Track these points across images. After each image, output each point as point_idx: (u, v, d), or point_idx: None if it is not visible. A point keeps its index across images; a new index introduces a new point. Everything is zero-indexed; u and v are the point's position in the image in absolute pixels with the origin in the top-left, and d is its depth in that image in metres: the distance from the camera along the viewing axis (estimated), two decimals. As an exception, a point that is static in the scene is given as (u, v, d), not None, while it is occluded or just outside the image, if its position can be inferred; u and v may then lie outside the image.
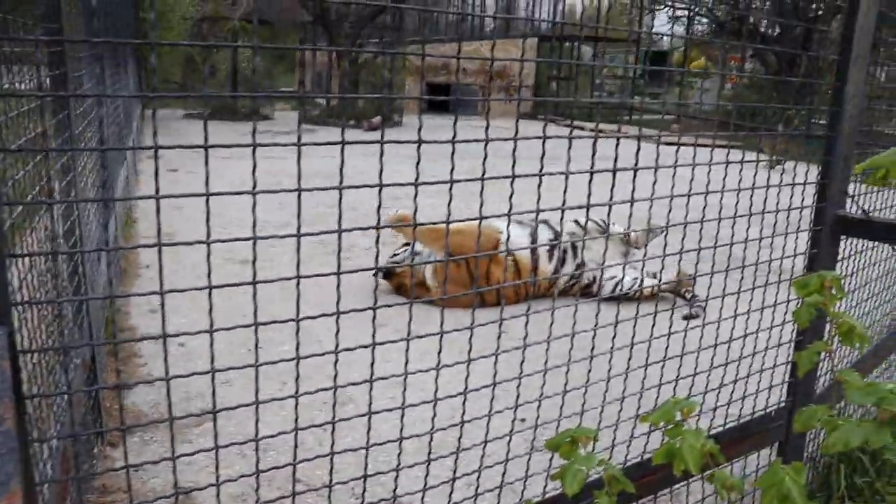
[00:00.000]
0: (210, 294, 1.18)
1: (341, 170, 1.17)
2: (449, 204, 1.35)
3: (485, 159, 1.36)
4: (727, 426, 2.49)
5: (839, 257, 2.71)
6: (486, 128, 1.31)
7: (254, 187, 1.13)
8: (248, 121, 18.17)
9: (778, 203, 2.32)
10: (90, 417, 3.07)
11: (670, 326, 2.02)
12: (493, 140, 1.32)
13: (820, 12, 21.09)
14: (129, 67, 10.29)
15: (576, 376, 1.94)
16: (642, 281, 5.32)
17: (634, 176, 1.68)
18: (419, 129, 1.35)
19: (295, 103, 21.50)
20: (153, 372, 4.11)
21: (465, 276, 5.51)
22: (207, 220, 1.14)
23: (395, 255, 5.98)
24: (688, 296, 5.53)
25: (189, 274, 5.77)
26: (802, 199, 2.44)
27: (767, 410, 2.64)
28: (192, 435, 3.42)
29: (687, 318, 5.15)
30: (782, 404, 2.68)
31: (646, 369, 1.97)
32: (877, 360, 3.72)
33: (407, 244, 5.96)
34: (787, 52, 20.15)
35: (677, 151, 2.07)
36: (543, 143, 1.40)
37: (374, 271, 1.43)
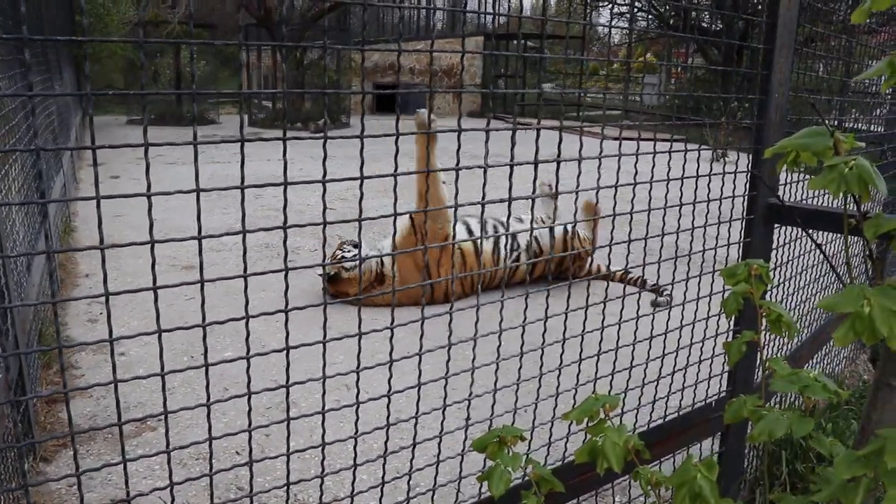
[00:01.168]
0: (107, 301, 1.11)
1: (242, 168, 1.11)
2: (360, 201, 1.30)
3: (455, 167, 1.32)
4: (668, 418, 2.48)
5: (775, 245, 2.73)
6: (396, 122, 1.26)
7: (148, 189, 1.07)
8: (194, 124, 17.87)
9: (709, 193, 2.31)
10: (19, 432, 2.95)
11: (603, 320, 1.99)
12: (405, 134, 1.27)
13: (760, 6, 21.46)
14: (66, 75, 10.02)
15: (513, 371, 1.90)
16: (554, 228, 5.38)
17: (557, 168, 1.64)
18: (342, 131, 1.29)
19: (242, 106, 21.20)
20: (91, 383, 3.98)
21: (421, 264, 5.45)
22: (100, 224, 1.07)
23: (339, 256, 5.68)
24: (647, 285, 5.52)
25: (131, 282, 5.62)
26: (734, 189, 2.44)
27: (708, 401, 2.63)
28: (129, 446, 3.32)
29: (655, 304, 5.18)
30: (723, 394, 2.68)
31: (579, 364, 1.94)
32: (816, 346, 3.76)
33: (347, 243, 5.73)
34: (713, 40, 20.44)
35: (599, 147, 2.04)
36: (459, 136, 1.36)
37: (320, 271, 1.37)
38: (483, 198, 1.42)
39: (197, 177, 1.10)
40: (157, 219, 5.44)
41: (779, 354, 3.26)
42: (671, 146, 2.12)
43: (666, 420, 2.47)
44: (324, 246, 1.34)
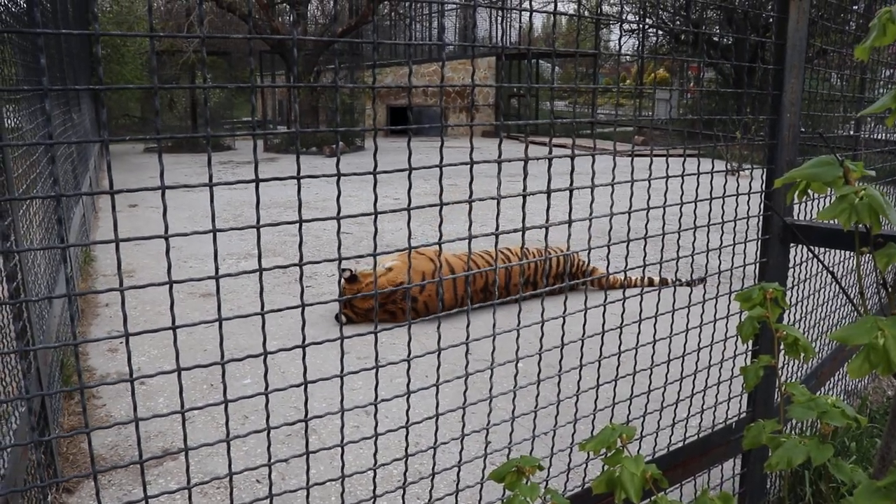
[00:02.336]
0: (127, 341, 1.13)
1: (258, 209, 1.12)
2: (374, 237, 1.31)
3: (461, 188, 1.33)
4: (687, 440, 2.47)
5: (793, 263, 2.71)
6: (409, 157, 1.27)
7: (165, 231, 1.09)
8: (211, 151, 18.03)
9: (723, 214, 2.31)
10: (43, 464, 2.98)
11: (620, 345, 1.99)
12: (418, 168, 1.28)
13: (771, 20, 21.41)
14: (84, 105, 10.15)
15: (531, 395, 1.90)
16: None
17: (570, 196, 1.65)
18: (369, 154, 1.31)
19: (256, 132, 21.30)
20: (112, 413, 4.01)
21: (425, 264, 5.58)
22: (119, 266, 1.09)
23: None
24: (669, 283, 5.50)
25: (150, 310, 5.66)
26: (748, 208, 2.43)
27: (728, 422, 2.62)
28: (151, 476, 3.33)
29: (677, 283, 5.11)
30: (744, 415, 2.67)
31: (597, 390, 1.94)
32: (838, 363, 3.73)
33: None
34: (721, 62, 20.40)
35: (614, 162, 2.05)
36: (471, 168, 1.37)
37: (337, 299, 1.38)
38: (497, 227, 1.43)
39: (213, 218, 1.12)
40: (176, 245, 5.51)
41: (799, 373, 3.24)
42: (684, 161, 2.12)
43: (686, 443, 2.45)
44: (339, 283, 1.36)
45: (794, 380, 3.06)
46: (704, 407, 2.50)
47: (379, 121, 24.70)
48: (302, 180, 1.23)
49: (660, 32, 25.56)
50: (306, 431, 1.33)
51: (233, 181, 1.15)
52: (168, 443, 3.66)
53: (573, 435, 1.98)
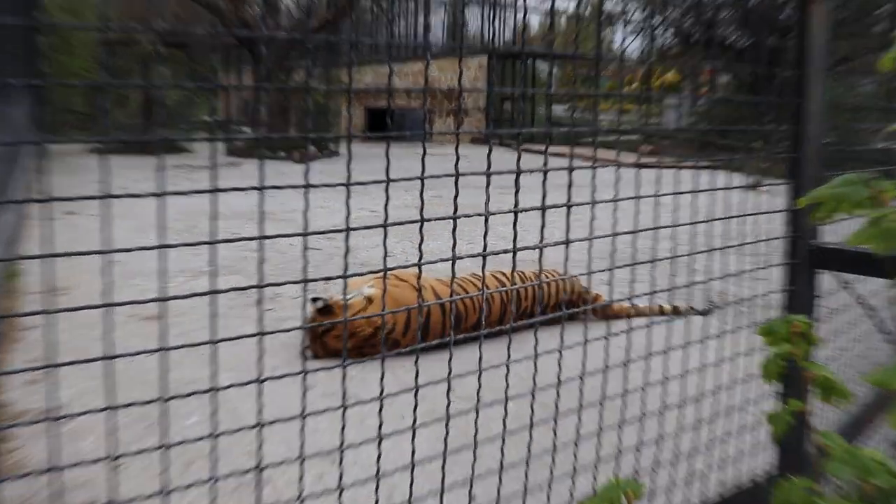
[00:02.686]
0: (51, 373, 1.07)
1: (212, 221, 1.08)
2: (346, 255, 1.27)
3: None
4: (708, 502, 2.41)
5: (828, 291, 2.68)
6: (387, 170, 1.23)
7: (106, 246, 1.04)
8: (164, 154, 17.94)
9: (743, 232, 2.29)
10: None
11: (625, 384, 1.95)
12: (397, 180, 1.25)
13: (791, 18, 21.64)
14: (19, 92, 10.05)
15: (523, 441, 1.85)
16: None
17: (568, 214, 1.62)
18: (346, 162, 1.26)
19: (217, 134, 21.28)
20: (31, 456, 3.89)
21: (410, 296, 5.26)
22: (49, 290, 1.04)
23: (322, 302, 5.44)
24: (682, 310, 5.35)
25: (84, 334, 5.55)
26: (769, 227, 2.41)
27: (754, 479, 2.56)
28: (77, 532, 3.24)
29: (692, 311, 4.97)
30: (771, 468, 2.62)
31: (599, 436, 1.90)
32: (880, 408, 3.67)
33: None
34: (734, 67, 20.58)
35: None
36: (456, 181, 1.34)
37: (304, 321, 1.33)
38: (485, 248, 1.40)
39: (162, 232, 1.07)
40: (120, 260, 5.39)
41: (836, 418, 3.20)
42: (697, 174, 2.09)
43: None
44: (304, 309, 1.32)
45: (829, 427, 3.02)
46: (725, 458, 2.47)
47: (357, 124, 24.73)
48: (262, 210, 1.19)
49: (666, 33, 25.80)
50: (259, 482, 1.29)
51: (186, 191, 1.11)
52: (95, 494, 3.55)
53: (571, 490, 1.94)
